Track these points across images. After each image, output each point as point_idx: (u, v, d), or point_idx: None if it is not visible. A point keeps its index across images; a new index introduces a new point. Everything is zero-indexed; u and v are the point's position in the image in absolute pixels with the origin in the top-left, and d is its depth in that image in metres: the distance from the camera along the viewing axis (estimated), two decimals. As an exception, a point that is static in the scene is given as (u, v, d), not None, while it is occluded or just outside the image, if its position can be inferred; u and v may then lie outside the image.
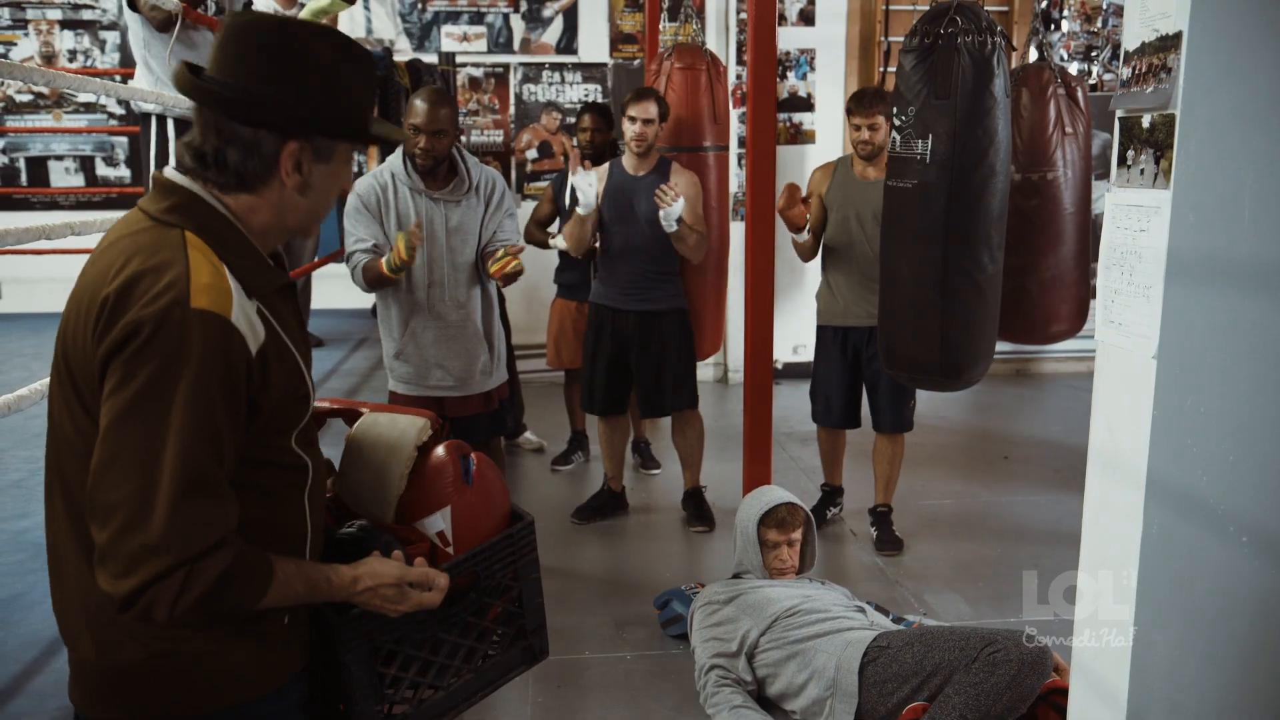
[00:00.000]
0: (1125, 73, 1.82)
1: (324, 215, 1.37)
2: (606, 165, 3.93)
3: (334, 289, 5.89)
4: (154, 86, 3.12)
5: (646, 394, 3.93)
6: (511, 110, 6.19)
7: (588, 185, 3.64)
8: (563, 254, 4.50)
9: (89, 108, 6.02)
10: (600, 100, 6.23)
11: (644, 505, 4.25)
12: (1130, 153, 1.81)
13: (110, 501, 1.14)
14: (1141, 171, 1.78)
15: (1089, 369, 6.41)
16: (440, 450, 1.55)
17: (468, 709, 1.58)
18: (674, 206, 3.55)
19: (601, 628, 3.16)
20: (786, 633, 2.58)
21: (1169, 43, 1.71)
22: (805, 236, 3.76)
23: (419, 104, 3.03)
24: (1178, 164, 1.68)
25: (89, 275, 1.24)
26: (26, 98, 5.98)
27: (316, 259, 4.97)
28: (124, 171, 6.05)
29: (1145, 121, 1.76)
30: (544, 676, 2.87)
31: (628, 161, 3.82)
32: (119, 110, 6.03)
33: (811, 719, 2.51)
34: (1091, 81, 6.61)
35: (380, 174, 3.12)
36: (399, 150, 3.14)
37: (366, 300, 5.54)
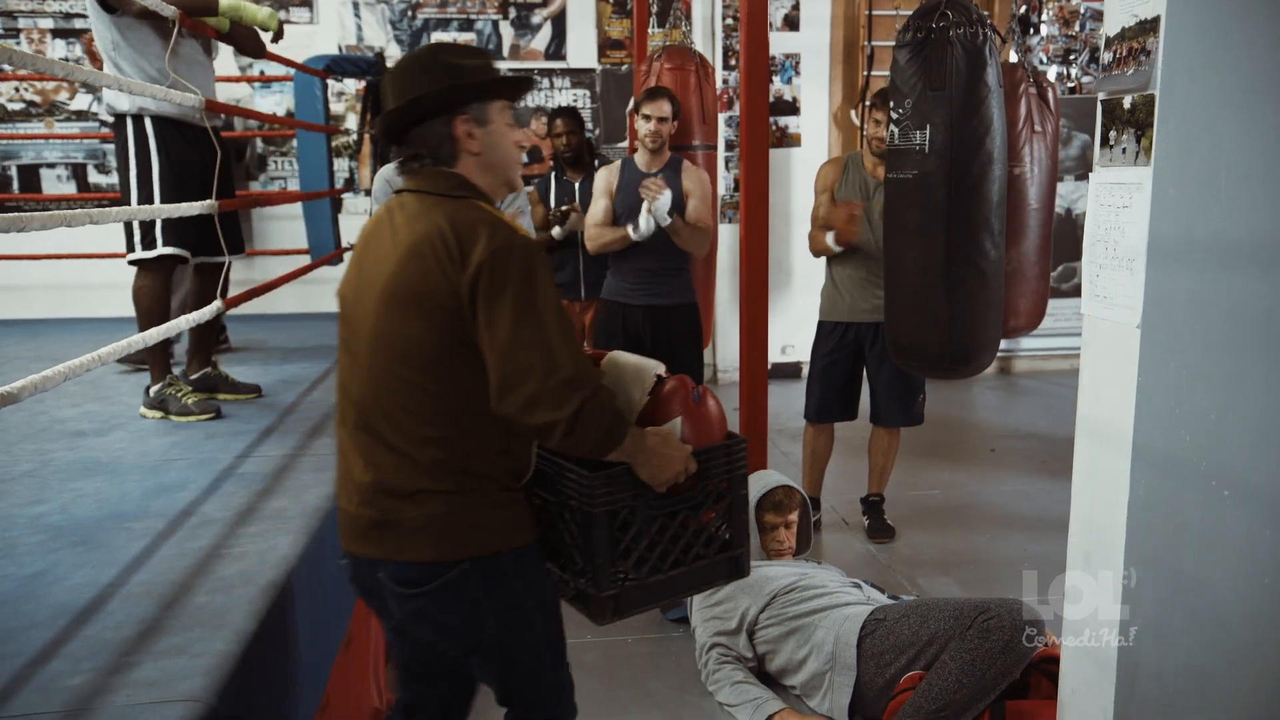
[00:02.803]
0: (1106, 57, 1.91)
1: (512, 167, 1.78)
2: (619, 163, 3.97)
3: (327, 292, 5.93)
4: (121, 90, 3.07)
5: None
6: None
7: (663, 215, 3.60)
8: (553, 252, 4.56)
9: (81, 115, 6.05)
10: (591, 104, 6.32)
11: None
12: (1112, 133, 1.90)
13: (525, 365, 1.56)
14: (1123, 151, 1.86)
15: (1070, 366, 6.60)
16: (674, 381, 1.89)
17: (677, 601, 1.97)
18: (661, 199, 3.58)
19: (602, 613, 3.21)
20: (785, 609, 2.65)
21: (1148, 26, 1.79)
22: (838, 249, 3.79)
23: None
24: (1158, 142, 1.76)
25: (416, 232, 1.65)
26: (18, 106, 6.00)
27: (311, 261, 5.02)
28: (115, 179, 6.07)
29: (1126, 103, 1.85)
30: (548, 659, 2.93)
31: (640, 158, 3.87)
32: (111, 118, 6.06)
33: (811, 693, 2.58)
34: (1070, 84, 6.74)
35: None
36: None
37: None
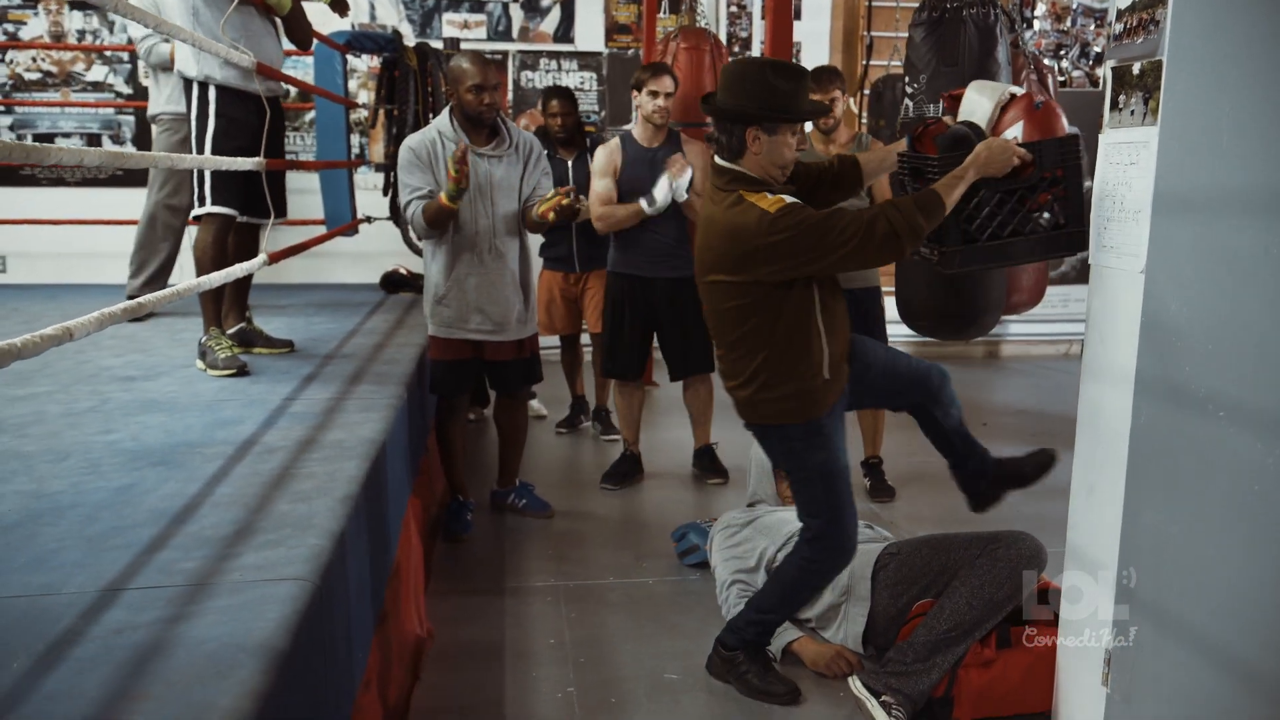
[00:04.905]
0: (1117, 27, 2.09)
1: (783, 165, 2.40)
2: (616, 141, 4.09)
3: (338, 265, 6.08)
4: (195, 52, 3.24)
5: (673, 357, 4.14)
6: (510, 96, 6.41)
7: (674, 189, 3.78)
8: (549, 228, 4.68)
9: (96, 86, 6.15)
10: (598, 87, 6.48)
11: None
12: (1121, 97, 2.08)
13: (851, 251, 2.28)
14: (1132, 112, 2.05)
15: (1058, 351, 6.88)
16: (1022, 97, 2.43)
17: (1007, 265, 2.55)
18: (683, 177, 3.77)
19: (622, 559, 3.39)
20: (802, 549, 2.83)
21: (1157, -1, 1.98)
22: None
23: (470, 66, 3.27)
24: (1164, 103, 1.95)
25: (710, 222, 2.45)
26: (35, 76, 6.10)
27: (328, 231, 5.15)
28: (130, 150, 6.18)
29: (1135, 69, 2.03)
30: (574, 596, 3.10)
31: (642, 134, 4.00)
32: (126, 89, 6.17)
33: (826, 624, 2.76)
34: (1061, 79, 6.95)
35: (429, 131, 3.36)
36: (445, 110, 3.38)
37: (372, 275, 5.73)
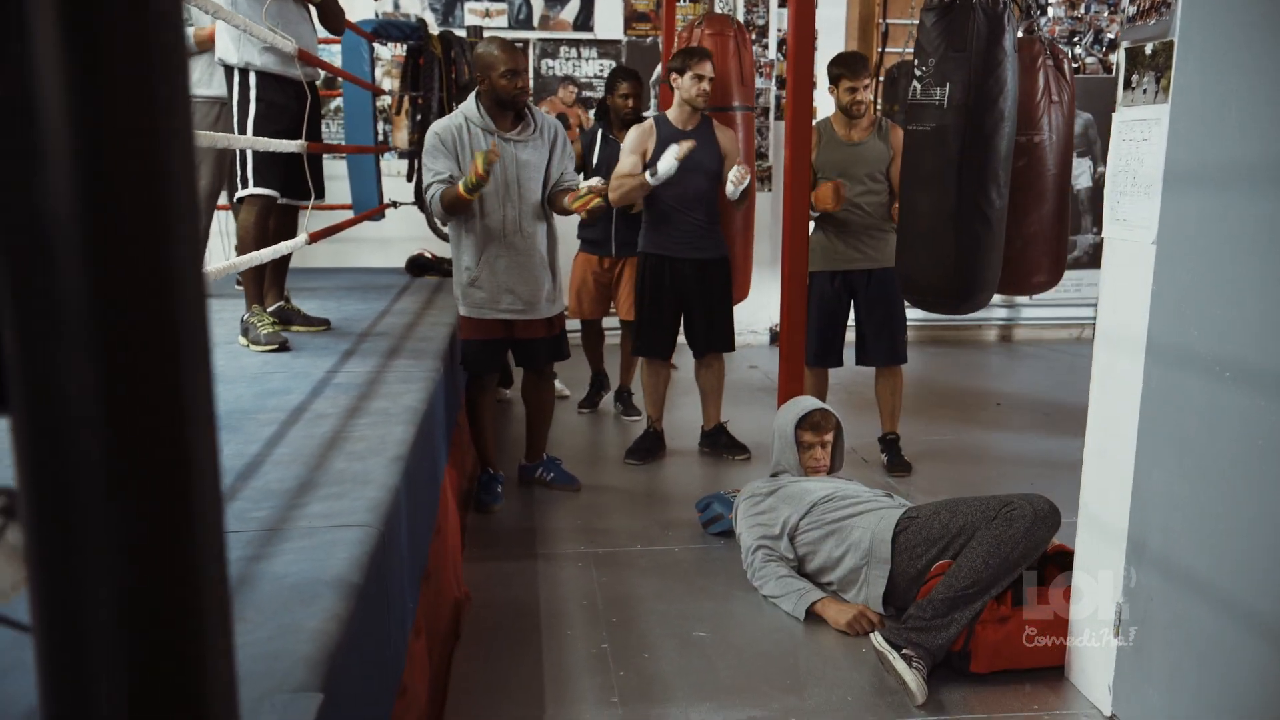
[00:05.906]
0: (1131, 10, 2.20)
1: None
2: (650, 122, 4.18)
3: (364, 249, 6.20)
4: (235, 40, 3.37)
5: (697, 336, 4.25)
6: (530, 83, 6.50)
7: (675, 162, 3.86)
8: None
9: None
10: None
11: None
12: (1135, 76, 2.19)
13: None
14: (1144, 91, 2.15)
15: (1070, 335, 7.02)
16: None
17: None
18: (683, 147, 3.86)
19: (648, 529, 3.51)
20: (824, 515, 2.94)
21: (1169, -18, 2.08)
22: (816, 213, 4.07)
23: (500, 53, 3.38)
24: (1175, 81, 2.06)
25: None
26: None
27: (354, 215, 5.27)
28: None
29: (1148, 49, 2.14)
30: (603, 562, 3.22)
31: (678, 117, 4.09)
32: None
33: (848, 587, 2.87)
34: (1074, 65, 7.02)
35: (455, 117, 3.47)
36: (471, 96, 3.49)
37: (397, 259, 5.85)
